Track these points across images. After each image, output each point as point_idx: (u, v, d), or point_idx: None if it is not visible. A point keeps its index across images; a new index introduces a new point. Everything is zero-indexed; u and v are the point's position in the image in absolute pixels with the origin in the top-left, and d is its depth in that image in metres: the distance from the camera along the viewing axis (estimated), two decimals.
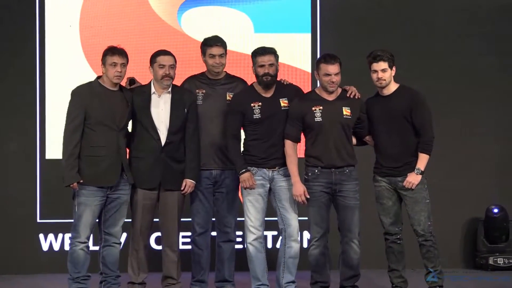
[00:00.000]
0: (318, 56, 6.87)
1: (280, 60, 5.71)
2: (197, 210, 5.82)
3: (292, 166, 5.55)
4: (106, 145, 5.47)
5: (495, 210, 7.15)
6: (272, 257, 5.98)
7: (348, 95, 5.63)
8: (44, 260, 7.03)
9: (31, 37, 7.05)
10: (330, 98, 5.58)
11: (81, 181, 5.44)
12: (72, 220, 5.55)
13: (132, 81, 5.83)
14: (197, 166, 5.71)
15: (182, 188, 5.68)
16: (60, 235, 7.05)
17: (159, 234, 6.24)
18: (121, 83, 5.62)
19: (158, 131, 5.61)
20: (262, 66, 5.58)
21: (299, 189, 5.52)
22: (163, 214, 5.73)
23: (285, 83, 5.80)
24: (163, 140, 5.61)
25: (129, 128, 5.71)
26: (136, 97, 5.64)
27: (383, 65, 5.54)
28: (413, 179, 5.55)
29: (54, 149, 6.81)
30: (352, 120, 5.58)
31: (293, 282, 5.68)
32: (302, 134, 5.65)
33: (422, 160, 5.56)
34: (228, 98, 5.78)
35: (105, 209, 5.56)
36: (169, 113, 5.63)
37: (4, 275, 6.90)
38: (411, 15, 7.38)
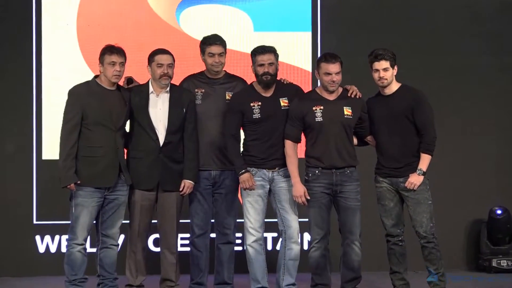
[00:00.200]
0: (319, 55, 6.88)
1: (280, 59, 5.72)
2: (196, 211, 5.82)
3: (292, 166, 5.56)
4: (103, 145, 5.48)
5: (499, 212, 7.15)
6: (272, 259, 5.98)
7: (349, 95, 5.63)
8: (41, 262, 7.03)
9: (28, 35, 7.05)
10: (331, 97, 5.59)
11: (78, 182, 5.44)
12: (69, 222, 5.56)
13: (129, 80, 5.83)
14: (196, 167, 5.71)
15: (180, 189, 5.69)
16: (57, 237, 7.05)
17: (157, 235, 6.25)
18: (119, 83, 5.62)
19: (156, 131, 5.61)
20: (261, 65, 5.58)
21: (300, 190, 5.52)
22: (162, 216, 5.73)
23: (285, 82, 5.81)
24: (161, 140, 5.62)
25: (127, 128, 5.71)
26: (134, 97, 5.64)
27: (384, 64, 5.54)
28: (415, 179, 5.55)
29: (51, 149, 6.82)
30: (353, 120, 5.58)
31: (293, 284, 5.68)
32: (302, 134, 5.66)
33: (424, 161, 5.56)
34: (227, 97, 5.78)
35: (103, 211, 5.56)
36: (168, 113, 5.63)
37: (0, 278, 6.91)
38: (413, 14, 7.38)
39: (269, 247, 7.10)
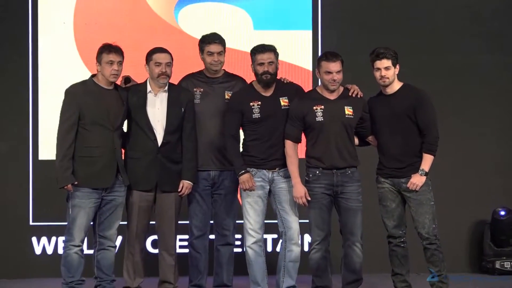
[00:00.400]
0: (319, 53, 6.88)
1: (280, 58, 5.72)
2: (194, 212, 5.82)
3: (293, 167, 5.56)
4: (100, 146, 5.48)
5: (502, 213, 7.14)
6: (272, 261, 5.98)
7: (350, 94, 5.63)
8: (37, 264, 7.03)
9: (24, 34, 7.04)
10: (332, 97, 5.59)
11: (76, 182, 5.44)
12: (66, 223, 5.56)
13: (127, 79, 5.83)
14: (195, 167, 5.72)
15: (179, 190, 5.69)
16: (53, 238, 7.04)
17: (155, 237, 6.25)
18: (117, 82, 5.62)
19: (155, 131, 5.61)
20: (261, 64, 5.58)
21: (300, 190, 5.52)
22: (160, 217, 5.73)
23: (285, 81, 5.81)
24: (159, 140, 5.62)
25: (125, 128, 5.71)
26: (131, 96, 5.65)
27: (386, 63, 5.54)
28: (417, 180, 5.55)
29: (47, 149, 6.80)
30: (354, 120, 5.58)
31: (293, 286, 5.69)
32: (302, 134, 5.66)
33: (427, 161, 5.56)
34: (226, 96, 5.79)
35: (100, 212, 5.56)
36: (166, 112, 5.63)
37: None
38: (414, 13, 7.37)
39: (269, 248, 7.10)
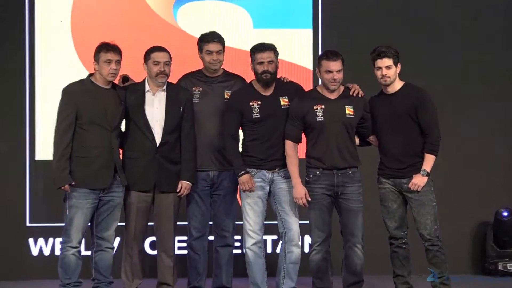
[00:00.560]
0: (320, 52, 6.88)
1: (280, 57, 5.72)
2: (193, 213, 5.82)
3: (293, 167, 5.56)
4: (98, 146, 5.48)
5: (505, 214, 7.14)
6: (272, 263, 5.98)
7: (351, 94, 5.63)
8: (34, 266, 7.02)
9: (21, 33, 7.04)
10: (332, 96, 5.59)
11: (73, 183, 5.44)
12: (63, 224, 5.56)
13: (125, 78, 5.83)
14: (194, 167, 5.72)
15: (178, 190, 5.69)
16: (50, 240, 7.04)
17: (154, 238, 6.25)
18: (114, 81, 5.62)
19: (153, 130, 5.61)
20: (261, 63, 5.58)
21: (300, 191, 5.52)
22: (158, 218, 5.73)
23: (285, 80, 5.81)
24: (158, 140, 5.62)
25: (122, 127, 5.71)
26: (129, 96, 5.64)
27: (387, 61, 5.54)
28: (418, 181, 5.55)
29: (44, 149, 6.81)
30: (355, 120, 5.58)
31: None
32: (303, 134, 5.66)
33: (428, 161, 5.56)
34: (226, 96, 5.79)
35: (98, 212, 5.56)
36: (164, 112, 5.63)
37: None
38: (415, 11, 7.38)
39: (269, 250, 7.10)
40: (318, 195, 5.55)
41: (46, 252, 7.05)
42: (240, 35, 7.15)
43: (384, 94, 5.67)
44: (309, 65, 7.22)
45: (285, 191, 5.65)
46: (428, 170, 5.56)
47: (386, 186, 5.67)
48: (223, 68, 5.90)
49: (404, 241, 5.69)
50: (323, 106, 5.54)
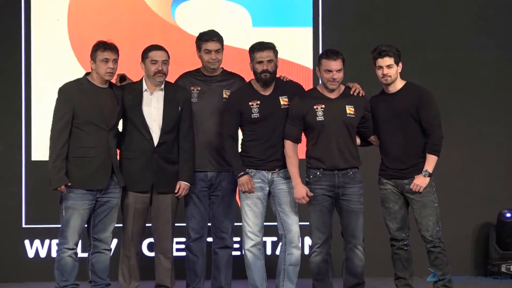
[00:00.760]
0: (320, 51, 6.89)
1: (279, 56, 5.72)
2: (191, 215, 5.82)
3: (293, 167, 5.56)
4: (95, 146, 5.48)
5: (508, 215, 7.15)
6: (272, 265, 5.98)
7: (351, 93, 5.63)
8: (30, 268, 7.03)
9: (16, 31, 7.05)
10: (333, 96, 5.59)
11: (69, 184, 5.44)
12: (60, 225, 5.56)
13: (122, 77, 5.83)
14: (192, 168, 5.72)
15: (176, 191, 5.69)
16: (46, 241, 7.05)
17: (151, 240, 6.25)
18: (111, 80, 5.63)
19: (150, 130, 5.61)
20: (260, 62, 5.58)
21: (301, 191, 5.51)
22: (156, 219, 5.73)
23: (285, 80, 5.81)
24: (155, 140, 5.62)
25: (120, 127, 5.71)
26: (126, 95, 5.65)
27: (388, 60, 5.55)
28: (420, 181, 5.55)
29: (41, 150, 6.81)
30: (356, 119, 5.59)
31: None
32: (303, 134, 5.66)
33: (430, 162, 5.56)
34: (224, 95, 5.79)
35: (94, 214, 5.56)
36: (162, 112, 5.63)
37: None
38: (417, 9, 7.38)
39: (269, 251, 7.11)
40: (318, 196, 5.55)
41: (42, 254, 7.06)
42: (239, 34, 7.16)
43: (385, 93, 5.68)
44: (309, 64, 7.22)
45: (285, 192, 5.65)
46: (430, 170, 5.56)
47: (387, 187, 5.68)
48: (222, 67, 5.90)
49: (405, 242, 5.70)
50: (323, 106, 5.55)
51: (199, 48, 5.83)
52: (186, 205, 5.84)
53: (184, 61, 6.36)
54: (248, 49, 5.72)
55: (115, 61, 5.53)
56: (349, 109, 5.57)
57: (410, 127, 5.57)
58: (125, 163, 5.64)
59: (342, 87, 5.62)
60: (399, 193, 5.66)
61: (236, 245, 6.35)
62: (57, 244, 5.59)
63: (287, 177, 5.63)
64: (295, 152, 5.60)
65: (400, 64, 5.61)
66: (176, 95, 5.69)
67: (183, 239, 6.06)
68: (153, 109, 5.65)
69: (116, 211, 5.64)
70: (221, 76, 5.87)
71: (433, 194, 5.61)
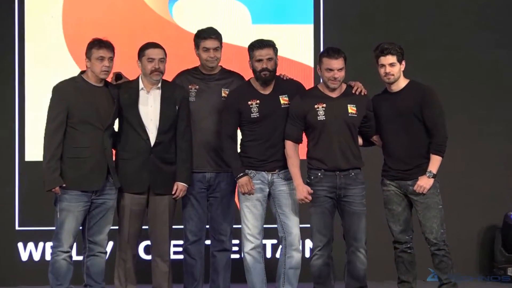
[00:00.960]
0: (321, 49, 6.89)
1: (279, 54, 5.72)
2: (189, 217, 5.82)
3: (294, 168, 5.55)
4: (90, 146, 5.48)
5: None
6: (272, 268, 5.98)
7: (353, 92, 5.63)
8: (24, 271, 7.03)
9: (9, 28, 7.04)
10: (334, 94, 5.59)
11: (64, 185, 5.44)
12: (54, 228, 5.55)
13: (118, 76, 5.83)
14: (189, 168, 5.71)
15: (173, 192, 5.69)
16: (40, 244, 7.05)
17: (148, 242, 6.25)
18: (107, 79, 5.62)
19: (147, 130, 5.61)
20: (260, 60, 5.58)
21: (303, 191, 5.50)
22: (153, 221, 5.73)
23: (285, 78, 5.80)
24: (152, 140, 5.61)
25: (115, 127, 5.71)
26: (122, 94, 5.64)
27: (391, 59, 5.54)
28: (424, 183, 5.55)
29: (35, 150, 6.80)
30: (358, 119, 5.58)
31: None
32: (303, 134, 5.66)
33: (434, 162, 5.56)
34: (223, 94, 5.79)
35: (90, 216, 5.56)
36: (159, 111, 5.63)
37: None
38: (420, 6, 7.39)
39: (268, 255, 7.11)
40: (320, 197, 5.54)
41: (36, 257, 7.06)
42: (238, 31, 7.15)
43: (388, 92, 5.67)
44: (310, 62, 7.22)
45: (285, 194, 5.65)
46: (434, 171, 5.56)
47: (390, 188, 5.67)
48: (220, 66, 5.90)
49: (409, 245, 5.69)
50: (324, 105, 5.54)
51: (197, 46, 5.83)
52: (184, 207, 5.84)
53: (181, 59, 6.36)
54: (247, 47, 5.72)
55: (111, 59, 5.53)
56: (351, 108, 5.56)
57: (413, 127, 5.57)
58: (121, 163, 5.64)
59: (344, 86, 5.62)
60: (403, 195, 5.65)
61: (235, 248, 6.35)
62: (51, 247, 5.59)
63: (288, 178, 5.62)
64: (296, 152, 5.60)
65: (404, 62, 5.60)
66: (173, 94, 5.69)
67: (181, 242, 6.06)
68: (149, 108, 5.64)
69: (112, 213, 5.64)
70: (219, 75, 5.87)
71: (438, 196, 5.61)
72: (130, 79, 5.81)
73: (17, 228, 7.06)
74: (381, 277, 6.67)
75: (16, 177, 7.05)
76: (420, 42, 7.27)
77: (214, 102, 5.77)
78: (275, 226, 5.74)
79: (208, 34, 5.80)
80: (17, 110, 7.05)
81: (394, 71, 5.56)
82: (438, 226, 5.58)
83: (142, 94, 5.67)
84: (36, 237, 7.03)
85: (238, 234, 5.86)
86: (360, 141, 5.72)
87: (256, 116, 5.61)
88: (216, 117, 5.74)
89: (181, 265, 5.92)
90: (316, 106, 5.54)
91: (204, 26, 5.91)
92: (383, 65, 5.56)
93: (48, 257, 6.72)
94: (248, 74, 5.81)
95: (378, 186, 5.75)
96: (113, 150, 5.65)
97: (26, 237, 7.05)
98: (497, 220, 7.26)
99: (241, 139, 5.75)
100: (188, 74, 5.90)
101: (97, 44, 5.53)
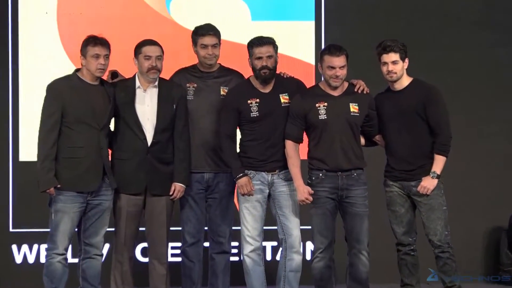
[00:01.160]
0: (323, 46, 6.88)
1: (280, 51, 5.71)
2: (187, 218, 5.82)
3: (294, 168, 5.55)
4: (86, 146, 5.47)
5: None
6: (272, 271, 5.98)
7: (355, 90, 5.63)
8: (18, 274, 7.03)
9: (3, 25, 7.04)
10: (336, 93, 5.59)
11: (59, 185, 5.44)
12: (49, 230, 5.55)
13: (114, 74, 5.83)
14: (187, 169, 5.71)
15: (170, 193, 5.68)
16: (35, 246, 7.05)
17: (145, 244, 6.25)
18: (103, 77, 5.62)
19: (144, 129, 5.61)
20: (259, 58, 5.58)
21: (304, 192, 5.50)
22: (150, 222, 5.73)
23: (285, 76, 5.81)
24: (149, 139, 5.61)
25: (112, 126, 5.71)
26: (119, 92, 5.64)
27: (394, 56, 5.54)
28: (428, 183, 5.55)
29: (29, 150, 6.80)
30: (360, 118, 5.58)
31: None
32: (304, 133, 5.65)
33: (438, 163, 5.56)
34: (222, 92, 5.78)
35: (85, 217, 5.55)
36: (156, 110, 5.63)
37: None
38: (423, 3, 7.39)
39: (268, 257, 7.11)
40: (321, 198, 5.54)
41: (31, 259, 7.06)
42: (238, 28, 7.15)
43: (391, 91, 5.67)
44: (311, 60, 7.22)
45: (286, 195, 5.64)
46: (438, 172, 5.56)
47: (393, 189, 5.67)
48: (219, 63, 5.90)
49: (412, 247, 5.70)
50: (326, 104, 5.54)
51: (195, 43, 5.83)
52: (182, 208, 5.84)
53: (179, 57, 6.36)
54: (246, 44, 5.72)
55: (107, 56, 5.52)
56: (353, 107, 5.56)
57: (417, 126, 5.57)
58: (117, 164, 5.63)
59: (346, 84, 5.62)
60: (406, 196, 5.66)
61: (234, 250, 6.36)
62: (46, 249, 5.59)
63: (288, 179, 5.62)
64: (297, 152, 5.60)
65: (407, 60, 5.60)
66: (170, 93, 5.69)
67: (179, 244, 6.06)
68: (146, 107, 5.64)
69: (108, 214, 5.63)
70: (218, 72, 5.87)
71: (442, 197, 5.61)
72: (126, 77, 5.81)
73: (11, 230, 7.06)
74: (384, 280, 6.67)
75: (10, 178, 7.04)
76: (423, 39, 7.27)
77: (213, 101, 5.77)
78: (275, 227, 5.74)
79: (206, 31, 5.80)
80: (10, 109, 7.04)
81: (396, 69, 5.55)
82: (442, 228, 5.58)
83: (138, 92, 5.66)
84: (31, 239, 7.03)
85: (237, 236, 5.86)
86: (362, 140, 5.71)
87: (256, 115, 5.61)
88: (215, 116, 5.74)
89: (179, 268, 5.92)
90: (317, 105, 5.54)
91: (202, 23, 5.91)
92: (385, 63, 5.56)
93: (42, 259, 6.72)
94: (247, 72, 5.81)
95: (380, 187, 5.75)
96: (109, 150, 5.65)
97: (20, 239, 7.05)
98: (502, 221, 7.26)
99: (241, 139, 5.75)
100: (186, 72, 5.90)
101: (93, 41, 5.52)
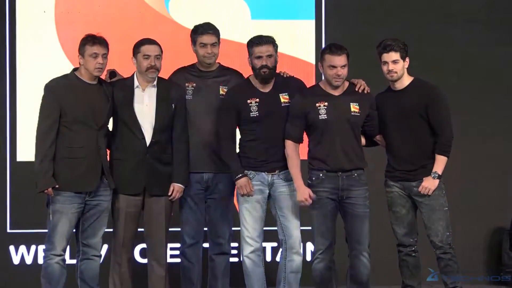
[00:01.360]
0: (323, 45, 6.89)
1: (280, 50, 5.72)
2: (186, 219, 5.83)
3: (294, 169, 5.56)
4: (84, 146, 5.48)
5: None
6: (272, 272, 5.99)
7: (356, 90, 5.63)
8: (15, 275, 7.03)
9: (0, 24, 7.04)
10: (336, 92, 5.59)
11: (57, 186, 5.44)
12: (46, 230, 5.56)
13: (112, 73, 5.84)
14: (186, 169, 5.72)
15: (169, 194, 5.69)
16: (33, 247, 7.05)
17: (144, 245, 6.25)
18: (101, 76, 5.63)
19: (142, 129, 5.61)
20: (259, 57, 5.59)
21: (304, 193, 5.50)
22: (149, 223, 5.73)
23: (285, 76, 5.81)
24: (148, 139, 5.62)
25: (110, 126, 5.72)
26: (117, 92, 5.64)
27: (394, 55, 5.55)
28: (429, 184, 5.56)
29: (26, 150, 6.80)
30: (361, 118, 5.59)
31: None
32: (304, 133, 5.66)
33: (440, 163, 5.57)
34: (221, 92, 5.79)
35: (83, 218, 5.56)
36: (155, 109, 5.63)
37: None
38: (425, 1, 7.38)
39: (268, 258, 7.11)
40: (321, 199, 5.55)
41: (28, 260, 7.06)
42: (237, 27, 7.15)
43: (392, 90, 5.68)
44: (312, 59, 7.22)
45: (286, 195, 5.65)
46: (440, 172, 5.56)
47: (394, 189, 5.68)
48: (218, 62, 5.91)
49: (413, 248, 5.70)
50: (326, 103, 5.55)
51: (194, 42, 5.84)
52: (181, 209, 5.85)
53: (178, 56, 6.36)
54: (246, 43, 5.72)
55: (105, 56, 5.53)
56: (354, 107, 5.57)
57: (418, 126, 5.58)
58: (115, 164, 5.64)
59: (346, 84, 5.63)
60: (407, 196, 5.66)
61: (234, 251, 6.37)
62: (44, 250, 5.59)
63: (288, 179, 5.63)
64: (297, 152, 5.60)
65: (407, 59, 5.61)
66: (169, 92, 5.69)
67: (178, 245, 6.07)
68: (145, 107, 5.64)
69: (107, 215, 5.64)
70: (217, 72, 5.88)
71: (443, 197, 5.62)
72: (125, 76, 5.82)
73: (8, 230, 7.06)
74: (385, 281, 6.67)
75: (7, 178, 7.04)
76: (425, 38, 7.27)
77: (212, 100, 5.77)
78: (275, 228, 5.75)
79: (205, 30, 5.81)
80: (8, 108, 7.04)
81: (397, 68, 5.56)
82: (444, 228, 5.59)
83: (137, 92, 5.67)
84: (28, 240, 7.03)
85: (237, 237, 5.87)
86: (363, 141, 5.72)
87: (255, 115, 5.62)
88: (214, 116, 5.75)
89: (178, 269, 5.93)
90: (317, 104, 5.55)
91: (201, 22, 5.92)
92: (386, 62, 5.57)
93: (40, 260, 6.71)
94: (247, 71, 5.81)
95: (381, 187, 5.76)
96: (107, 150, 5.66)
97: (18, 240, 7.04)
98: (504, 222, 7.26)
99: (240, 139, 5.76)
100: (185, 71, 5.90)
101: (91, 40, 5.53)
